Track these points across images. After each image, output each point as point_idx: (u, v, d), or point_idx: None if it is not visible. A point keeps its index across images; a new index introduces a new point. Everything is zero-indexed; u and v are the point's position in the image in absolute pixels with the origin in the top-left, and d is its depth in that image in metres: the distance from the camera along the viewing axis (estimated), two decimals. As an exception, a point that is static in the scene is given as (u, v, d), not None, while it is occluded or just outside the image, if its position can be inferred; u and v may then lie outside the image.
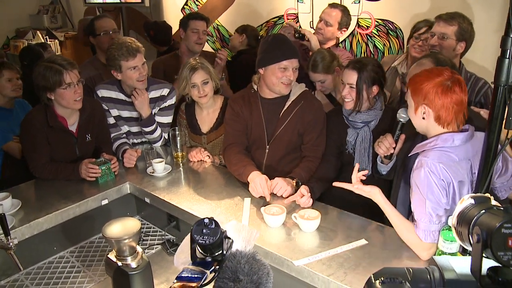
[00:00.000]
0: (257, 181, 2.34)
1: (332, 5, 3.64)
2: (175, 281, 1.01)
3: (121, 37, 2.97)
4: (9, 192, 2.39)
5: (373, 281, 0.84)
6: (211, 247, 1.05)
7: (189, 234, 1.07)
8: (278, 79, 2.49)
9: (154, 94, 2.99)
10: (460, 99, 1.84)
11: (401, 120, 2.17)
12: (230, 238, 1.09)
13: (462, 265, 0.85)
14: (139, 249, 1.87)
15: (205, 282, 1.00)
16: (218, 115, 2.98)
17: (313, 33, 3.57)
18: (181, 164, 2.84)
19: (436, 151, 1.85)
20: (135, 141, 3.10)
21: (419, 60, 2.38)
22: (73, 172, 2.62)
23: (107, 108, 2.95)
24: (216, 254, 1.06)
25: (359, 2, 4.14)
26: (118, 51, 2.76)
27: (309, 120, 2.59)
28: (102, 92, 2.95)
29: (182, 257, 1.12)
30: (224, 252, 1.06)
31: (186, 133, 3.03)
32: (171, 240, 2.44)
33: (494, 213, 0.80)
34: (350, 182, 2.11)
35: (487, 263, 0.83)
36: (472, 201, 0.89)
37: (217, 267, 1.04)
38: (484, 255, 0.79)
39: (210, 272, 1.03)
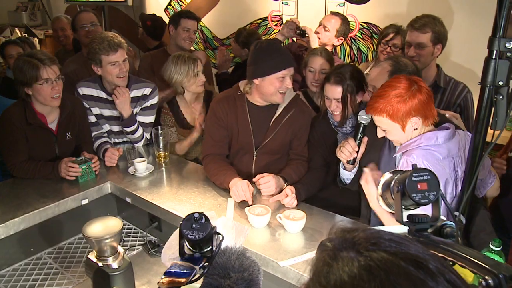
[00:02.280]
0: (239, 185, 2.30)
1: (334, 13, 3.64)
2: (163, 276, 0.97)
3: (103, 32, 2.91)
4: (-15, 190, 2.31)
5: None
6: (200, 242, 1.01)
7: (178, 229, 1.03)
8: (276, 89, 2.42)
9: (136, 93, 2.93)
10: (428, 89, 1.88)
11: (363, 122, 2.15)
12: (220, 234, 1.06)
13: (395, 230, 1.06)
14: (120, 249, 1.82)
15: (194, 278, 0.96)
16: (203, 106, 3.01)
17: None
18: (163, 164, 2.79)
19: (420, 150, 1.85)
20: (117, 140, 3.04)
21: (379, 63, 2.40)
22: (53, 171, 2.55)
23: (88, 106, 2.88)
24: (206, 250, 1.03)
25: (343, 5, 4.15)
26: (99, 45, 2.70)
27: (300, 126, 2.57)
28: (83, 90, 2.89)
29: (170, 252, 1.08)
30: (214, 248, 1.02)
31: (174, 131, 3.01)
32: (153, 241, 2.40)
33: (405, 172, 1.09)
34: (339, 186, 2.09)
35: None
36: (391, 174, 1.16)
37: (206, 263, 1.00)
38: (403, 206, 1.06)
39: (200, 268, 0.99)
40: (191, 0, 5.29)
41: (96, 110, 2.92)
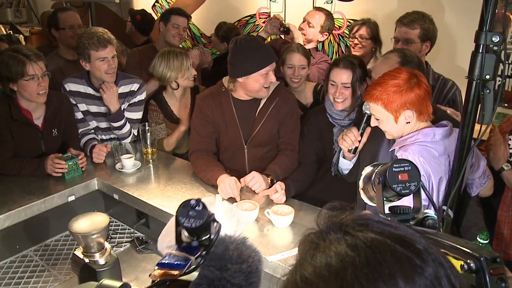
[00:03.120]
0: (226, 182, 2.29)
1: (317, 8, 3.62)
2: (156, 267, 0.94)
3: (93, 27, 2.88)
4: (-31, 187, 2.28)
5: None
6: (197, 230, 0.98)
7: (174, 216, 1.00)
8: (261, 85, 2.41)
9: (123, 89, 2.90)
10: (427, 86, 1.87)
11: (367, 112, 2.13)
12: (218, 222, 1.02)
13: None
14: (107, 245, 1.81)
15: (189, 269, 0.93)
16: (190, 101, 3.02)
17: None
18: (150, 161, 2.77)
19: (417, 146, 1.85)
20: (104, 137, 3.00)
21: (385, 55, 2.37)
22: (38, 167, 2.52)
23: (74, 103, 2.85)
24: (203, 238, 0.99)
25: (331, 2, 4.16)
26: (89, 40, 2.67)
27: (285, 113, 2.55)
28: (70, 86, 2.85)
29: (167, 240, 1.04)
30: (212, 236, 0.99)
31: (163, 127, 3.00)
32: (140, 238, 2.37)
33: (385, 164, 1.10)
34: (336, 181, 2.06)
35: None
36: (371, 167, 1.16)
37: (204, 252, 0.97)
38: (384, 198, 1.07)
39: (196, 258, 0.96)
40: (178, -3, 5.26)
41: (83, 107, 2.88)
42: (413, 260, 0.55)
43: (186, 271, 0.92)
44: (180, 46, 3.83)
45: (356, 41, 3.30)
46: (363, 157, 2.21)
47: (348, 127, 2.46)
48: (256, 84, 2.41)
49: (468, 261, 0.77)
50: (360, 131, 2.18)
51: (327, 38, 3.65)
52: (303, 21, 3.54)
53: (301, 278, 0.59)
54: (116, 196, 2.45)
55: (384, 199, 1.07)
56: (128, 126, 2.92)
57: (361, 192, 1.21)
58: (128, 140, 2.97)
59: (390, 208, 1.05)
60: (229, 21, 4.72)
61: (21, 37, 5.87)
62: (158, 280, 0.93)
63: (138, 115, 2.98)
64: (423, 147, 1.85)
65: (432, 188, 1.82)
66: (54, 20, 3.55)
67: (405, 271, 0.54)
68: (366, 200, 1.19)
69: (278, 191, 2.26)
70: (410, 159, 1.76)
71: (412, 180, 1.05)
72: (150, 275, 0.94)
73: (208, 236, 0.98)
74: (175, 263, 0.93)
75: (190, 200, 0.98)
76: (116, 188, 2.44)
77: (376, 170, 1.11)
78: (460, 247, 0.81)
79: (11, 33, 5.78)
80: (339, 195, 2.45)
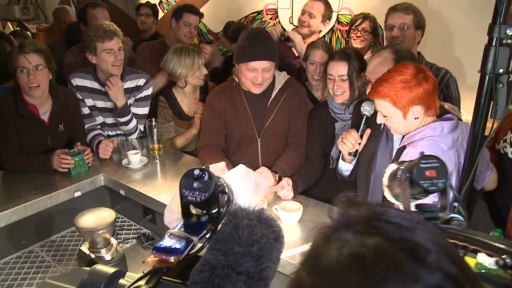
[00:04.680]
0: None
1: None
2: (153, 252, 0.86)
3: (99, 21, 2.87)
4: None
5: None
6: (204, 204, 0.87)
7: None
8: (249, 79, 2.39)
9: (130, 84, 2.89)
10: (434, 80, 1.85)
11: (366, 113, 2.11)
12: (227, 193, 0.90)
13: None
14: (113, 241, 1.79)
15: (190, 253, 0.85)
16: (199, 97, 3.00)
17: (296, 28, 3.54)
18: (157, 156, 2.75)
19: (426, 141, 1.82)
20: (110, 133, 2.99)
21: (378, 52, 2.32)
22: (45, 163, 2.51)
23: (81, 98, 2.84)
24: (212, 211, 0.88)
25: (339, -3, 4.12)
26: (95, 32, 2.66)
27: (295, 105, 2.54)
28: (76, 81, 2.84)
29: (176, 211, 0.93)
30: (221, 209, 0.87)
31: (172, 125, 3.00)
32: (147, 234, 2.36)
33: (412, 160, 1.07)
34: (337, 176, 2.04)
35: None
36: (397, 165, 1.13)
37: (212, 228, 0.88)
38: (410, 195, 1.04)
39: (200, 239, 0.87)
40: (185, -6, 5.23)
41: (89, 102, 2.87)
42: (421, 278, 0.51)
43: (186, 255, 0.84)
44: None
45: (358, 34, 3.30)
46: (362, 156, 2.18)
47: (349, 122, 2.45)
48: (241, 76, 2.41)
49: (504, 257, 0.74)
50: (359, 133, 2.15)
51: (331, 29, 3.63)
52: (303, 13, 3.51)
53: (303, 278, 0.56)
54: (122, 192, 2.43)
55: (411, 196, 1.04)
56: (134, 121, 2.90)
57: (386, 189, 1.17)
58: (135, 135, 2.95)
59: (416, 205, 1.03)
60: (236, 18, 4.71)
61: (29, 33, 5.88)
62: (153, 267, 0.85)
63: (144, 110, 2.96)
64: (432, 141, 1.82)
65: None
66: (83, 15, 3.64)
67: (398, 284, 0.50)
68: (390, 198, 1.16)
69: (285, 186, 2.23)
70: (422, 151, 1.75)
71: (440, 177, 1.02)
72: (144, 261, 0.86)
73: (217, 209, 0.87)
74: (173, 247, 0.84)
75: (194, 169, 0.88)
76: (123, 184, 2.43)
77: (403, 167, 1.08)
78: (494, 243, 0.78)
79: (19, 29, 5.80)
80: (340, 191, 2.43)
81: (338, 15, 4.15)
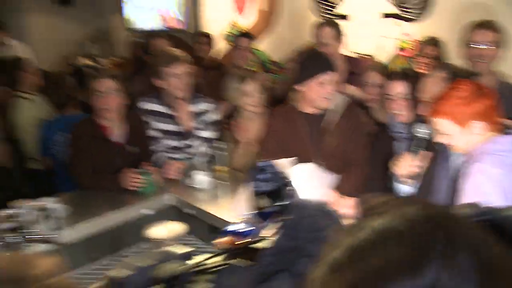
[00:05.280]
0: None
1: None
2: (221, 235, 0.89)
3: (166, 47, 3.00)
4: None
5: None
6: (269, 195, 0.91)
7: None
8: (318, 95, 2.42)
9: (196, 108, 2.97)
10: (494, 95, 1.81)
11: (420, 135, 2.07)
12: (292, 186, 0.95)
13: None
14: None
15: (256, 239, 0.87)
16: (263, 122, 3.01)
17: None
18: (223, 178, 2.77)
19: (492, 156, 1.73)
20: (176, 156, 3.05)
21: (430, 74, 2.31)
22: (115, 181, 2.60)
23: (148, 121, 2.94)
24: (277, 204, 0.92)
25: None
26: (162, 57, 2.78)
27: (352, 125, 2.54)
28: (144, 105, 2.95)
29: (242, 203, 0.97)
30: (286, 202, 0.91)
31: (235, 147, 3.02)
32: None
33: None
34: None
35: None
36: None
37: (278, 218, 0.90)
38: None
39: (266, 226, 0.89)
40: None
41: (156, 125, 2.95)
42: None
43: (254, 239, 0.86)
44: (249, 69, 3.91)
45: (425, 61, 3.20)
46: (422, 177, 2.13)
47: (409, 141, 2.39)
48: (311, 93, 2.43)
49: None
50: (414, 155, 2.09)
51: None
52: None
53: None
54: (189, 211, 2.46)
55: None
56: (201, 144, 2.95)
57: None
58: (201, 159, 2.99)
59: None
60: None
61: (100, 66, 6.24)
62: (223, 249, 0.87)
63: (211, 134, 3.01)
64: (498, 157, 1.73)
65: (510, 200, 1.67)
66: (145, 45, 3.96)
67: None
68: None
69: (346, 207, 2.19)
70: (486, 170, 1.67)
71: None
72: (212, 243, 0.88)
73: (281, 201, 0.91)
74: (242, 230, 0.87)
75: (260, 161, 0.93)
76: (190, 204, 2.45)
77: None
78: None
79: (91, 63, 6.18)
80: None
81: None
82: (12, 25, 5.98)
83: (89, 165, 2.66)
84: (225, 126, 3.09)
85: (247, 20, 5.63)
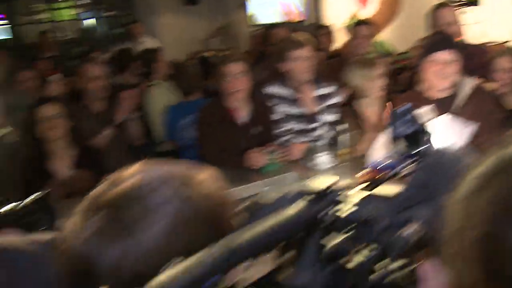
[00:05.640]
0: None
1: None
2: (367, 168, 0.89)
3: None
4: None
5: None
6: (408, 138, 0.90)
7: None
8: (434, 74, 2.32)
9: (320, 91, 2.97)
10: None
11: None
12: (430, 134, 0.93)
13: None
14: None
15: (393, 174, 0.85)
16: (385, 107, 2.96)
17: None
18: (344, 161, 2.73)
19: None
20: (300, 139, 3.07)
21: None
22: (240, 160, 2.69)
23: (273, 105, 2.99)
24: (414, 149, 0.91)
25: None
26: (286, 41, 2.84)
27: (482, 110, 2.37)
28: (269, 89, 3.01)
29: (381, 147, 0.97)
30: (423, 147, 0.90)
31: (356, 133, 2.97)
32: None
33: None
34: None
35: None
36: None
37: (416, 162, 0.88)
38: None
39: (405, 167, 0.87)
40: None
41: (280, 108, 3.00)
42: None
43: (395, 172, 0.84)
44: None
45: None
46: None
47: None
48: (428, 73, 2.33)
49: None
50: None
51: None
52: None
53: None
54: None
55: None
56: (324, 128, 2.95)
57: None
58: (324, 141, 2.98)
59: None
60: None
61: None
62: (365, 181, 0.87)
63: (333, 117, 3.00)
64: None
65: None
66: (265, 36, 4.15)
67: None
68: None
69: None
70: None
71: None
72: (355, 176, 0.88)
73: (419, 146, 0.88)
74: (386, 165, 0.86)
75: (397, 108, 0.91)
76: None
77: None
78: None
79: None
80: None
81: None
82: (146, 24, 6.50)
83: (216, 145, 2.79)
84: (347, 113, 3.04)
85: (369, 12, 5.50)
